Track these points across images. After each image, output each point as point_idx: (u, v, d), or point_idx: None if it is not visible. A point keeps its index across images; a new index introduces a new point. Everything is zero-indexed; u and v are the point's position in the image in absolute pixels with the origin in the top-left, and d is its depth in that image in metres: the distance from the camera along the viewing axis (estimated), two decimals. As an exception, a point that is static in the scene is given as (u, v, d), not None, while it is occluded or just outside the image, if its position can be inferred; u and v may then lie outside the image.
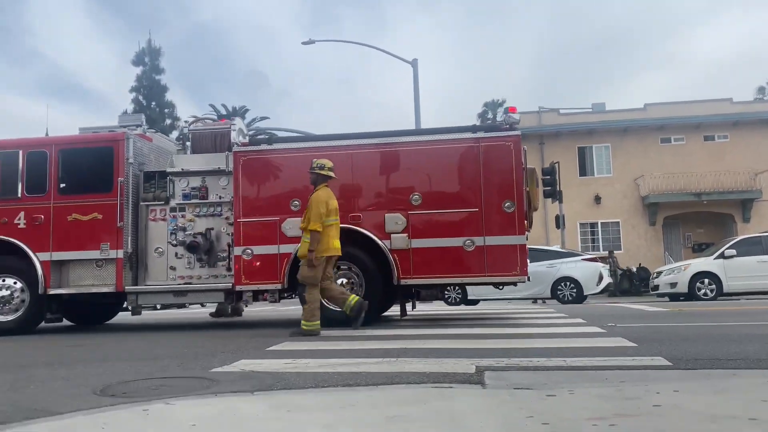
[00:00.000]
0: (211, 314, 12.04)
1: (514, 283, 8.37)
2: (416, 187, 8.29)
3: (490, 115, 61.75)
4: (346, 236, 8.31)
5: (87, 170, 8.89)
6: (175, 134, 36.54)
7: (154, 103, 36.03)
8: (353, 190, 8.38)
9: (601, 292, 18.04)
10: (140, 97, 35.76)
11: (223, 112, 49.04)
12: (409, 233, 8.21)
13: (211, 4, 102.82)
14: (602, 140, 28.81)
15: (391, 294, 8.74)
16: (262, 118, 51.53)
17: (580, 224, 28.45)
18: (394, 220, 8.24)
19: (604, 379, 3.50)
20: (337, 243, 7.32)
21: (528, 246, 8.31)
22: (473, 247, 8.06)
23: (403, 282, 8.16)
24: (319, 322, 7.04)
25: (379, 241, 8.20)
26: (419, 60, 23.89)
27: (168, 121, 36.28)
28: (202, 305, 27.34)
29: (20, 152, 8.90)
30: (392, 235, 8.21)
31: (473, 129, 8.51)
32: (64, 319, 9.73)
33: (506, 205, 8.08)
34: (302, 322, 6.97)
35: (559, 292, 16.31)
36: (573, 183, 27.38)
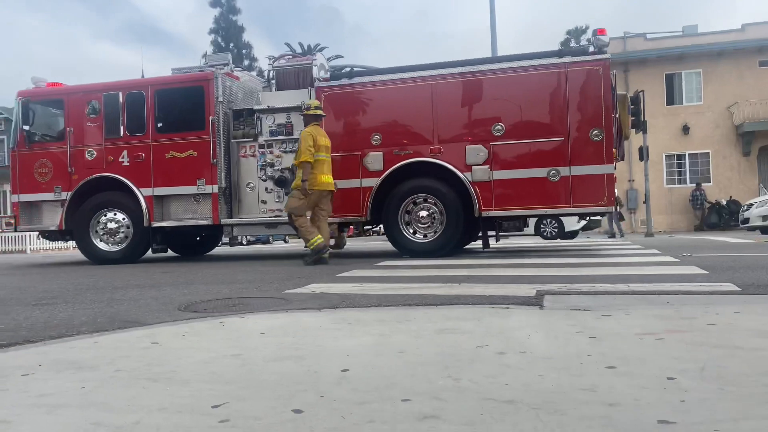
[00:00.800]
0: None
1: (602, 214, 8.26)
2: (499, 117, 8.23)
3: (573, 44, 59.24)
4: (426, 169, 8.46)
5: (180, 109, 9.35)
6: (253, 74, 37.48)
7: (232, 44, 36.65)
8: (433, 122, 8.42)
9: (697, 227, 17.68)
10: (219, 39, 36.45)
11: (299, 50, 49.34)
12: (491, 165, 8.22)
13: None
14: (693, 66, 26.99)
15: (473, 227, 8.86)
16: (336, 57, 51.40)
17: (666, 156, 27.16)
18: (476, 151, 8.25)
19: (666, 302, 3.46)
20: (326, 178, 7.77)
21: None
22: (558, 177, 7.99)
23: (484, 214, 8.24)
24: (319, 235, 7.59)
25: (460, 174, 8.27)
26: (497, 10, 23.06)
27: (246, 62, 36.88)
28: (285, 241, 28.56)
29: (120, 94, 9.45)
30: (473, 167, 8.25)
31: (559, 54, 8.26)
32: (168, 250, 10.45)
33: (594, 133, 7.90)
34: (306, 246, 7.70)
35: (542, 230, 17.19)
36: (659, 113, 26.01)
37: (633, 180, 26.63)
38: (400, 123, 8.56)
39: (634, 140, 24.19)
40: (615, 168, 8.01)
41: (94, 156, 9.49)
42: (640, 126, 10.57)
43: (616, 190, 8.05)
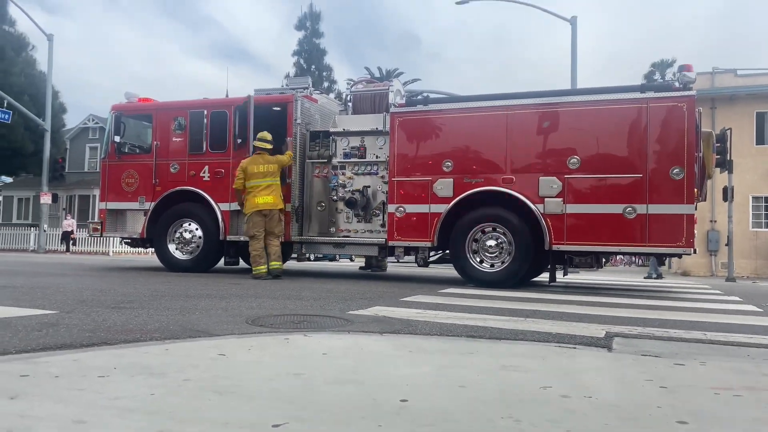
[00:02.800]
0: (361, 267, 12.71)
1: (679, 255, 7.91)
2: (574, 149, 8.05)
3: (657, 77, 57.37)
4: (497, 198, 8.37)
5: (260, 129, 9.67)
6: (332, 96, 38.37)
7: (313, 66, 37.77)
8: (506, 152, 8.33)
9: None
10: (301, 60, 37.65)
11: (377, 75, 50.28)
12: (565, 198, 8.03)
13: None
14: (788, 104, 25.55)
15: (541, 259, 8.67)
16: (414, 80, 52.12)
17: (753, 198, 25.68)
18: (549, 183, 8.10)
19: (746, 355, 3.25)
20: (260, 200, 8.74)
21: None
22: (634, 215, 7.72)
23: (555, 248, 8.04)
24: (262, 267, 8.62)
25: (532, 205, 8.12)
26: (579, 18, 22.75)
27: (326, 83, 37.89)
28: (351, 259, 28.84)
29: (205, 112, 9.91)
30: (546, 199, 8.09)
31: (641, 89, 8.02)
32: (240, 261, 10.73)
33: (674, 171, 7.59)
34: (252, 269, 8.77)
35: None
36: (747, 152, 24.70)
37: (715, 221, 25.32)
38: (473, 150, 8.53)
39: (718, 180, 23.06)
40: (696, 208, 7.67)
41: (178, 170, 9.96)
42: (725, 165, 10.06)
43: (695, 231, 7.69)
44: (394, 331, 3.84)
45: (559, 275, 9.29)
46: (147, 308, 4.70)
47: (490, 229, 8.41)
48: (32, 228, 30.19)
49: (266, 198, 8.76)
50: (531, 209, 8.14)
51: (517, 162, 8.30)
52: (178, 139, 10.00)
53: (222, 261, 10.15)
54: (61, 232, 26.99)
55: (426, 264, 8.94)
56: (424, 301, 5.94)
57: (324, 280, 8.80)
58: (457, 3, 24.46)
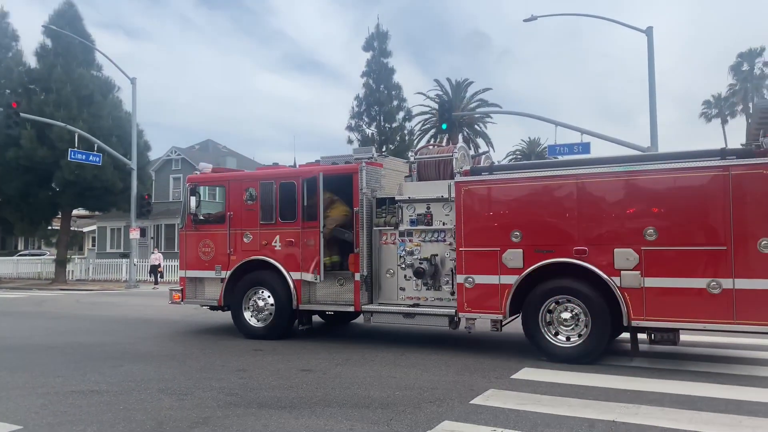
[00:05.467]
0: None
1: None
2: (651, 219, 7.66)
3: (745, 67, 53.85)
4: (570, 269, 8.09)
5: (327, 198, 9.83)
6: (401, 114, 38.47)
7: (382, 86, 37.87)
8: (578, 221, 8.04)
9: None
10: (370, 81, 37.82)
11: (447, 87, 49.94)
12: (642, 270, 7.66)
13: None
14: None
15: (618, 331, 8.31)
16: (484, 90, 51.46)
17: None
18: (625, 255, 7.74)
19: None
20: None
21: None
22: (719, 290, 7.25)
23: (634, 323, 7.69)
24: None
25: (607, 278, 7.80)
26: (655, 27, 21.69)
27: (395, 102, 37.97)
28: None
29: (274, 183, 10.15)
30: (622, 272, 7.74)
31: (722, 153, 7.53)
32: (313, 321, 10.92)
33: (763, 243, 7.08)
34: None
35: None
36: None
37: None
38: (542, 220, 8.28)
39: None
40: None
41: (251, 239, 10.26)
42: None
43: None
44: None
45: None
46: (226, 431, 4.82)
47: (564, 300, 8.15)
48: (123, 258, 32.02)
49: None
50: (606, 282, 7.81)
51: (589, 232, 7.99)
52: (250, 209, 10.29)
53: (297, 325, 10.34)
54: (149, 266, 28.42)
55: (499, 330, 8.74)
56: (499, 407, 5.75)
57: (398, 355, 8.71)
58: (525, 21, 23.95)
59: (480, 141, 50.42)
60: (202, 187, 11.07)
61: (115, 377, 7.27)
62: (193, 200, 10.79)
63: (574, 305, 8.10)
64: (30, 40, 38.38)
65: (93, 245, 44.77)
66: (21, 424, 5.14)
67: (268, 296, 10.14)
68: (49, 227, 35.56)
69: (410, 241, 9.39)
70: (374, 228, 9.66)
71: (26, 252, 44.90)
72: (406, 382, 7.01)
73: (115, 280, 30.56)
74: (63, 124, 25.37)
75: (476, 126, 50.21)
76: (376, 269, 9.65)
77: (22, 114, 23.52)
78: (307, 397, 6.21)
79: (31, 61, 30.04)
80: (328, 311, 9.99)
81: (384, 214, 9.64)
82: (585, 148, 21.82)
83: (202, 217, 10.90)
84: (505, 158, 59.37)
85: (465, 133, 49.57)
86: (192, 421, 5.28)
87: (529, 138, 62.42)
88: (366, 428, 5.06)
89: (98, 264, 33.30)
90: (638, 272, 7.67)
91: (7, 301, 19.77)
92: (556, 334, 8.20)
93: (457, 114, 38.80)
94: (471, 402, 5.98)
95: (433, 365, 7.95)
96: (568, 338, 8.13)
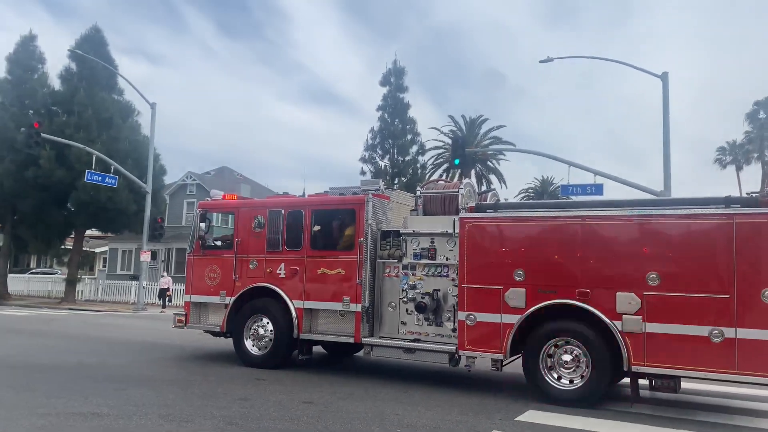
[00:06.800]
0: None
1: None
2: (654, 265, 7.63)
3: (761, 115, 53.73)
4: (572, 312, 8.05)
5: (333, 229, 9.93)
6: (414, 148, 38.80)
7: (397, 120, 38.31)
8: (581, 263, 8.03)
9: None
10: (386, 115, 38.29)
11: (462, 123, 50.38)
12: (644, 315, 7.61)
13: (447, 5, 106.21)
14: None
15: (619, 375, 8.22)
16: (498, 127, 51.82)
17: None
18: (627, 299, 7.71)
19: None
20: None
21: None
22: (721, 339, 7.18)
23: (634, 369, 7.61)
24: None
25: (609, 321, 7.75)
26: (670, 72, 21.87)
27: (408, 137, 38.34)
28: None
29: (282, 211, 10.27)
30: (624, 316, 7.69)
31: (726, 202, 7.54)
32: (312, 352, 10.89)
33: (766, 293, 7.03)
34: None
35: None
36: None
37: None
38: (546, 260, 8.28)
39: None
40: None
41: (256, 266, 10.34)
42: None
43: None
44: None
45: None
46: None
47: (563, 342, 8.10)
48: (133, 280, 32.20)
49: None
50: (608, 326, 7.77)
51: (592, 274, 7.97)
52: (257, 236, 10.38)
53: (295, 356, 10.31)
54: (158, 289, 28.53)
55: (500, 369, 8.67)
56: None
57: (397, 390, 8.66)
58: (541, 62, 24.23)
59: (492, 177, 50.58)
60: (212, 213, 11.21)
61: (117, 400, 7.28)
62: (202, 225, 10.92)
63: (575, 347, 8.04)
64: (56, 62, 39.47)
65: (104, 266, 45.06)
66: None
67: (268, 323, 10.16)
68: (62, 246, 35.96)
69: (413, 274, 9.40)
70: (378, 260, 9.70)
71: (38, 270, 45.31)
72: (408, 420, 6.92)
73: (124, 302, 30.68)
74: (82, 146, 25.86)
75: (489, 162, 50.39)
76: (378, 301, 9.65)
77: (43, 134, 24.03)
78: (308, 431, 6.17)
79: (56, 84, 30.86)
80: (329, 342, 9.95)
81: (388, 247, 9.69)
82: (598, 189, 21.82)
83: (210, 243, 11.02)
84: (517, 195, 59.37)
85: (478, 169, 49.79)
86: None
87: (543, 177, 62.44)
88: None
89: (108, 285, 33.47)
90: (640, 317, 7.62)
91: (17, 319, 19.93)
92: (557, 376, 8.12)
93: (470, 150, 39.08)
94: None
95: (436, 404, 7.86)
96: (568, 380, 8.05)
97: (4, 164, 28.39)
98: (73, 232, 32.07)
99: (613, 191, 24.20)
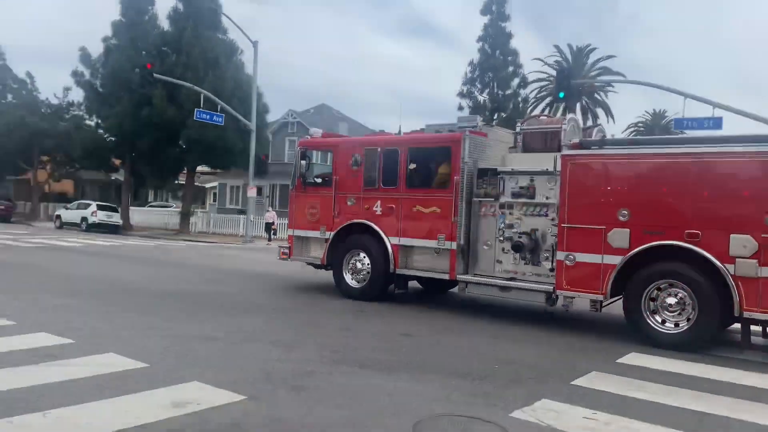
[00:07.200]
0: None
1: None
2: (775, 206, 7.06)
3: None
4: (679, 254, 7.66)
5: (429, 167, 9.89)
6: (515, 81, 37.31)
7: (498, 52, 36.90)
8: (692, 203, 7.56)
9: None
10: (486, 46, 36.93)
11: (567, 53, 47.70)
12: (760, 259, 7.11)
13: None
14: None
15: (728, 322, 7.81)
16: (607, 57, 48.63)
17: None
18: (742, 242, 7.21)
19: None
20: None
21: None
22: None
23: (746, 315, 7.19)
24: None
25: (720, 265, 7.31)
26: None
27: (510, 69, 36.93)
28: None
29: (378, 149, 10.34)
30: (737, 260, 7.23)
31: None
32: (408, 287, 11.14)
33: None
34: None
35: None
36: None
37: None
38: (653, 200, 7.86)
39: None
40: None
41: (354, 203, 10.57)
42: None
43: None
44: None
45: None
46: (319, 393, 5.03)
47: (667, 285, 7.76)
48: (241, 214, 34.03)
49: None
50: (719, 269, 7.34)
51: (704, 215, 7.50)
52: (354, 174, 10.56)
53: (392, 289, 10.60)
54: (264, 223, 30.00)
55: (599, 310, 8.48)
56: (602, 390, 5.55)
57: (494, 328, 8.68)
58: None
59: (599, 111, 48.00)
60: (311, 151, 11.50)
61: (230, 326, 7.78)
62: (302, 163, 11.24)
63: (680, 290, 7.69)
64: (164, 2, 40.97)
65: (214, 200, 47.88)
66: (148, 362, 5.67)
67: (365, 258, 10.45)
68: (176, 181, 38.43)
69: (510, 214, 9.26)
70: (474, 199, 9.60)
71: (156, 203, 48.84)
72: (506, 357, 6.90)
73: (233, 235, 32.58)
74: (190, 85, 27.06)
75: (596, 95, 47.72)
76: (473, 240, 9.63)
77: (155, 75, 25.34)
78: (406, 362, 6.32)
79: (165, 24, 32.16)
80: (423, 277, 10.12)
81: (485, 185, 9.55)
82: (716, 123, 20.18)
83: (310, 180, 11.35)
84: (626, 130, 56.12)
85: (584, 102, 47.30)
86: (297, 375, 5.54)
87: (654, 110, 58.46)
88: (462, 398, 5.09)
89: (218, 218, 35.64)
90: (755, 261, 7.13)
91: (139, 248, 21.73)
92: (661, 319, 7.85)
93: (576, 82, 36.99)
94: (572, 382, 5.79)
95: (534, 342, 7.84)
96: (673, 324, 7.76)
97: (122, 104, 30.33)
98: (185, 168, 34.08)
99: (733, 126, 22.31)
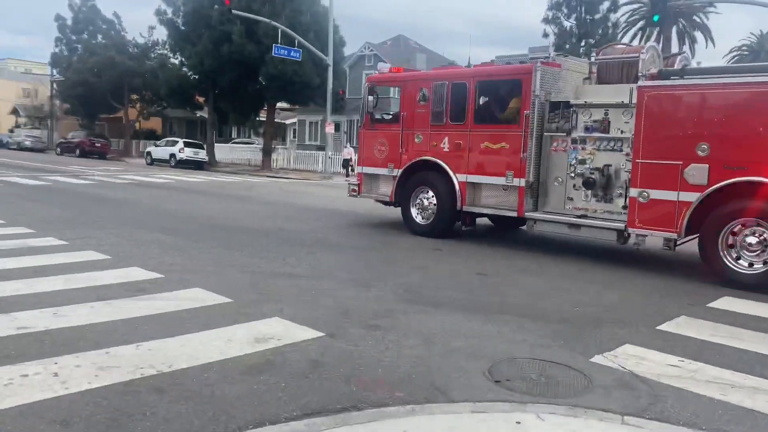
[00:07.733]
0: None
1: None
2: None
3: None
4: (760, 191, 7.18)
5: (498, 101, 9.62)
6: (605, 5, 34.88)
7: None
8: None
9: None
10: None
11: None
12: None
13: None
14: None
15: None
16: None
17: None
18: (837, 179, 6.65)
19: None
20: None
21: None
22: None
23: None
24: None
25: (808, 203, 6.80)
26: None
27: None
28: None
29: (446, 83, 10.12)
30: (828, 198, 6.70)
31: None
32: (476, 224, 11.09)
33: None
34: None
35: None
36: None
37: None
38: (736, 134, 7.33)
39: None
40: None
41: (421, 140, 10.49)
42: None
43: None
44: (638, 411, 3.55)
45: None
46: (395, 333, 5.00)
47: (752, 223, 7.33)
48: (320, 151, 34.62)
49: None
50: (804, 208, 6.84)
51: (793, 150, 6.94)
52: (422, 110, 10.44)
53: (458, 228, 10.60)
54: (342, 159, 30.41)
55: (672, 249, 8.15)
56: (690, 336, 5.23)
57: (573, 268, 8.41)
58: None
59: (698, 35, 44.32)
60: (379, 87, 11.42)
61: (309, 263, 7.96)
62: (370, 99, 11.21)
63: (765, 229, 7.25)
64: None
65: (294, 137, 48.81)
66: (232, 298, 5.88)
67: (432, 195, 10.43)
68: (257, 118, 39.35)
69: (583, 149, 8.92)
70: (545, 133, 9.29)
71: (239, 140, 50.39)
72: (587, 299, 6.63)
73: (312, 171, 33.29)
74: (268, 20, 27.22)
75: (695, 17, 43.93)
76: (543, 176, 9.39)
77: (233, 11, 25.60)
78: (482, 302, 6.24)
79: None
80: (491, 215, 10.03)
81: (557, 119, 9.21)
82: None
83: (378, 117, 11.33)
84: (728, 54, 51.72)
85: (680, 25, 43.72)
86: (374, 313, 5.59)
87: (761, 31, 53.23)
88: (540, 341, 4.94)
89: (298, 155, 36.43)
90: None
91: (224, 184, 22.64)
92: (737, 258, 7.47)
93: (672, 3, 34.20)
94: (658, 327, 5.50)
95: (616, 283, 7.56)
96: (748, 263, 7.38)
97: (202, 42, 31.03)
98: (265, 105, 34.78)
99: None
